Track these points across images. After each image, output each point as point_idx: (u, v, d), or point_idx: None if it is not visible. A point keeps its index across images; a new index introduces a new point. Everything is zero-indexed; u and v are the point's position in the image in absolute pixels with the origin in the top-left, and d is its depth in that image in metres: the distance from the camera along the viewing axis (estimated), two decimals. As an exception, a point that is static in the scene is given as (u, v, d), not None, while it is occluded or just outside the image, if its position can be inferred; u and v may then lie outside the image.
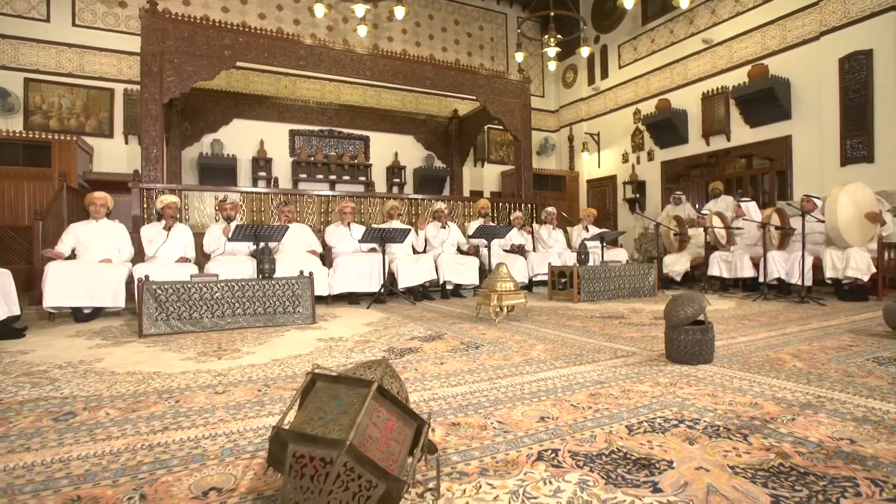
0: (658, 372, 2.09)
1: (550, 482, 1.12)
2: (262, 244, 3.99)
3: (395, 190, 9.42)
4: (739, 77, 7.27)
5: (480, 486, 1.10)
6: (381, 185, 9.40)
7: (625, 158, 9.63)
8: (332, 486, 0.83)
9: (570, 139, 10.95)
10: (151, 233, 4.48)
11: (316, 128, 9.08)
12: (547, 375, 2.07)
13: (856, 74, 5.93)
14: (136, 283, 3.96)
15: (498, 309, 3.43)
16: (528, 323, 3.51)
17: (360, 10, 7.27)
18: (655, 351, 2.49)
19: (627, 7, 7.06)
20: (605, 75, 10.08)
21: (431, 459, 1.17)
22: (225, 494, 1.09)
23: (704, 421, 1.49)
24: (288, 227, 4.31)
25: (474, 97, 7.75)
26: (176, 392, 1.92)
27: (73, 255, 4.27)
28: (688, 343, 2.19)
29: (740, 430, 1.41)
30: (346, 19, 9.19)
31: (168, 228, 4.49)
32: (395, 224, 5.63)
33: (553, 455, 1.26)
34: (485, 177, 10.50)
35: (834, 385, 1.83)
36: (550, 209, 6.68)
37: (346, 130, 9.30)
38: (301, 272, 3.83)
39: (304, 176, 8.72)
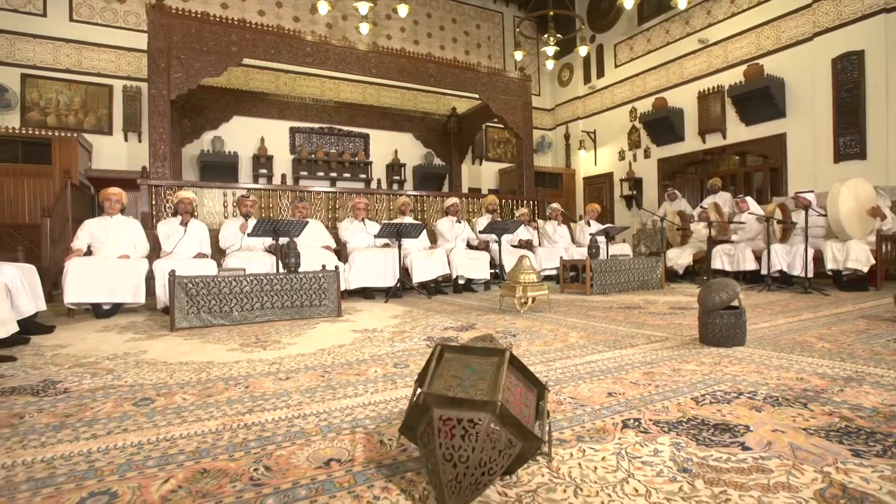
0: (697, 353, 2.21)
1: (646, 444, 1.21)
2: (285, 239, 4.02)
3: (396, 187, 9.47)
4: (735, 76, 7.48)
5: (584, 451, 1.18)
6: (381, 183, 9.44)
7: (621, 156, 9.82)
8: (483, 444, 0.91)
9: (567, 137, 11.11)
10: (168, 228, 4.48)
11: (316, 125, 9.07)
12: (594, 358, 2.16)
13: (848, 74, 6.17)
14: (156, 278, 4.00)
15: (523, 300, 3.52)
16: (552, 314, 3.61)
17: (363, 7, 7.30)
18: (686, 336, 2.61)
19: (627, 7, 7.21)
20: (601, 74, 10.25)
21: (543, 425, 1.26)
22: (346, 464, 1.16)
23: (761, 393, 1.60)
24: (307, 223, 4.35)
25: (476, 95, 7.84)
26: (241, 379, 1.97)
27: (88, 252, 4.25)
28: (723, 326, 2.31)
29: (797, 399, 1.53)
30: (346, 17, 9.20)
31: (184, 224, 4.49)
32: (408, 220, 5.69)
33: (637, 423, 1.36)
34: (483, 174, 10.61)
35: (867, 362, 1.97)
36: (555, 205, 6.82)
37: (345, 128, 9.31)
38: (324, 266, 3.88)
39: (304, 173, 8.73)
